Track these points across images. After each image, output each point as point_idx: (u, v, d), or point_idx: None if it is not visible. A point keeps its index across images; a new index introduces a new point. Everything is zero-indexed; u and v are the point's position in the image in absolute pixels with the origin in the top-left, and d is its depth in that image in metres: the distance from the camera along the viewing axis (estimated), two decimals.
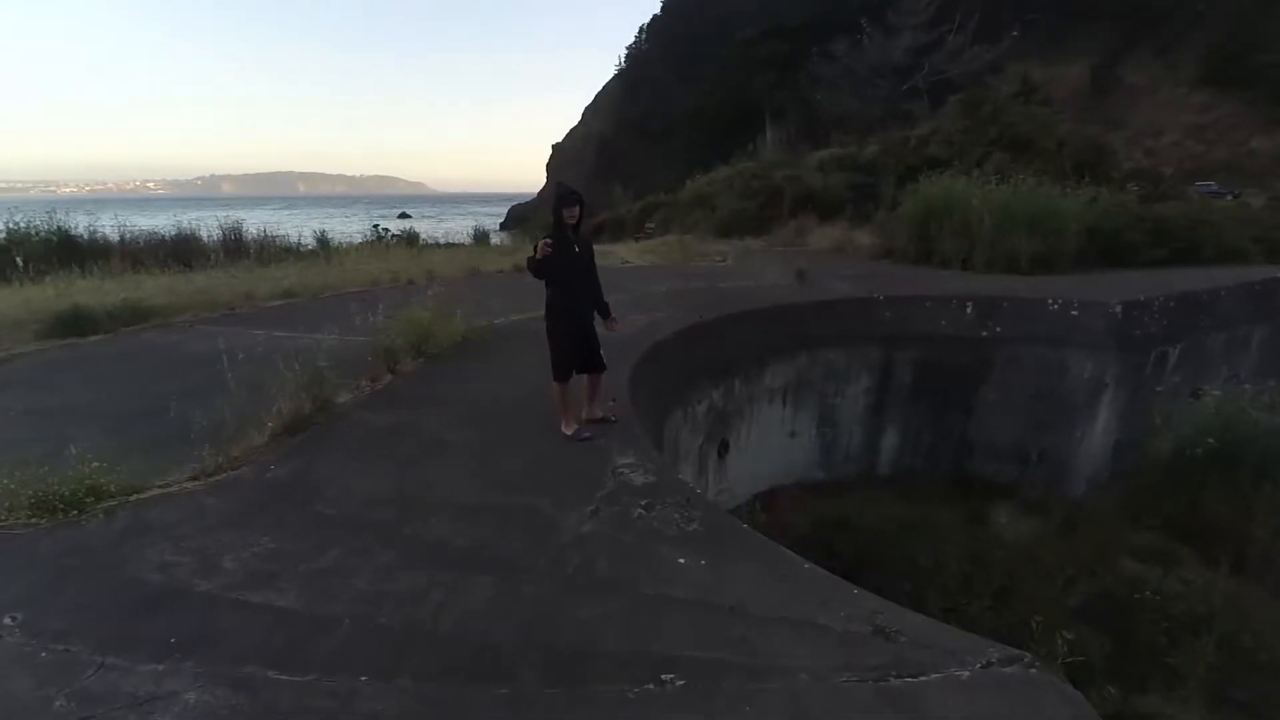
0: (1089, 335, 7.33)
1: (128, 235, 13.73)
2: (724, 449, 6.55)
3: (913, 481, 8.06)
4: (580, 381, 3.98)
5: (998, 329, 7.52)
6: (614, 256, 13.60)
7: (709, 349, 5.99)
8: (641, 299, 7.75)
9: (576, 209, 3.84)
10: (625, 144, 59.43)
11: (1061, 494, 7.82)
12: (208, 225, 15.06)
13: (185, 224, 15.28)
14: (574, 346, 3.86)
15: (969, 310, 7.60)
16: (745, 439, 6.88)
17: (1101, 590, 5.84)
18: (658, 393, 4.81)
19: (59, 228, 12.85)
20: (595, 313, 4.03)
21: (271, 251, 13.53)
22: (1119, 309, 7.35)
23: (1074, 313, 7.43)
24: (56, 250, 12.07)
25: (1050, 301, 7.51)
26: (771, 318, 6.81)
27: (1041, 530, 7.20)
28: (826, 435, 7.73)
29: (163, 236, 14.01)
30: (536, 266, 3.71)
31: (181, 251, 13.15)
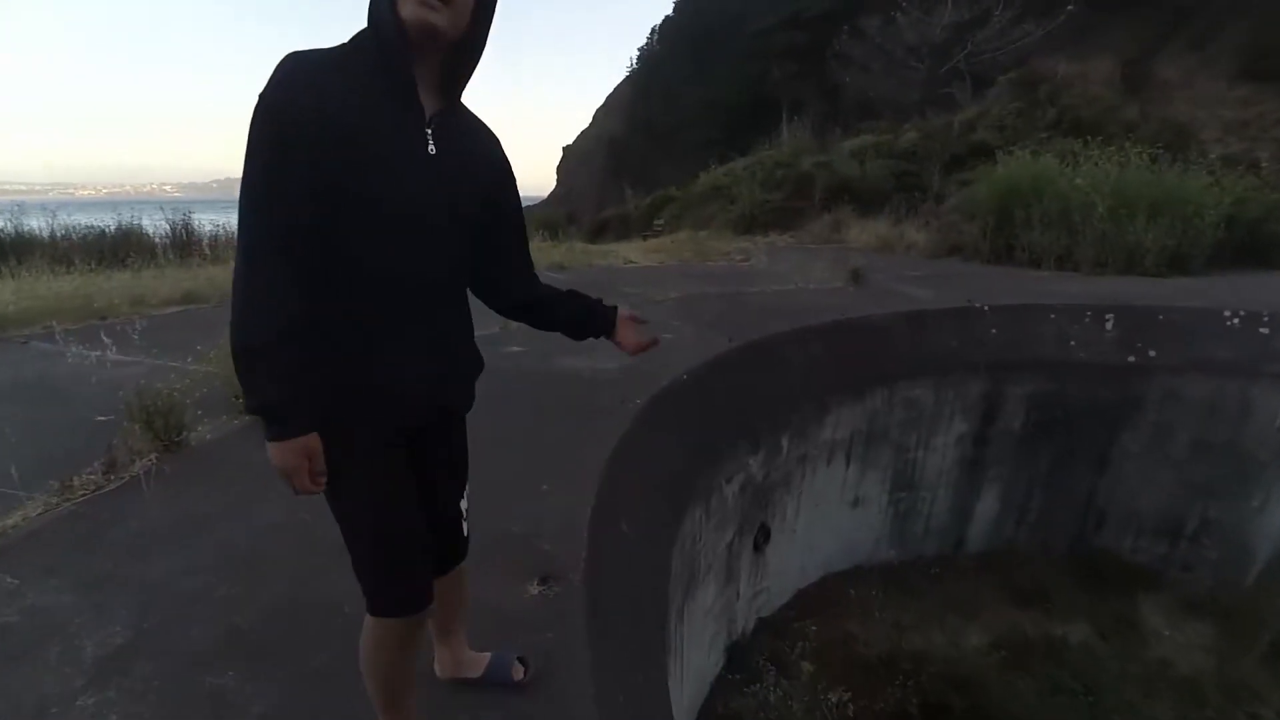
0: None
1: (59, 231, 12.06)
2: (763, 538, 4.36)
3: (1016, 562, 5.84)
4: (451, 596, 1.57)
5: (1150, 353, 5.27)
6: (615, 256, 11.43)
7: (744, 393, 3.80)
8: (643, 312, 5.57)
9: None
10: (636, 143, 57.67)
11: (1224, 583, 5.59)
12: (154, 221, 13.28)
13: (127, 219, 13.45)
14: (410, 490, 1.33)
15: (1108, 326, 5.35)
16: (792, 518, 4.69)
17: None
18: (664, 493, 2.63)
19: None
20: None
21: (223, 247, 11.73)
22: None
23: (1263, 330, 5.17)
24: None
25: (1228, 315, 5.26)
26: (834, 339, 4.61)
27: (1225, 647, 4.95)
28: (901, 502, 5.51)
29: (102, 231, 12.21)
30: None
31: (121, 248, 11.35)
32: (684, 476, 2.90)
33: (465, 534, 1.50)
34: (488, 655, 1.62)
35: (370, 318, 1.20)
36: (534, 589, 1.84)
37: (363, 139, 1.11)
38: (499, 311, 1.53)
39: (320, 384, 1.18)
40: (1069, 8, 19.48)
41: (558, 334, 1.59)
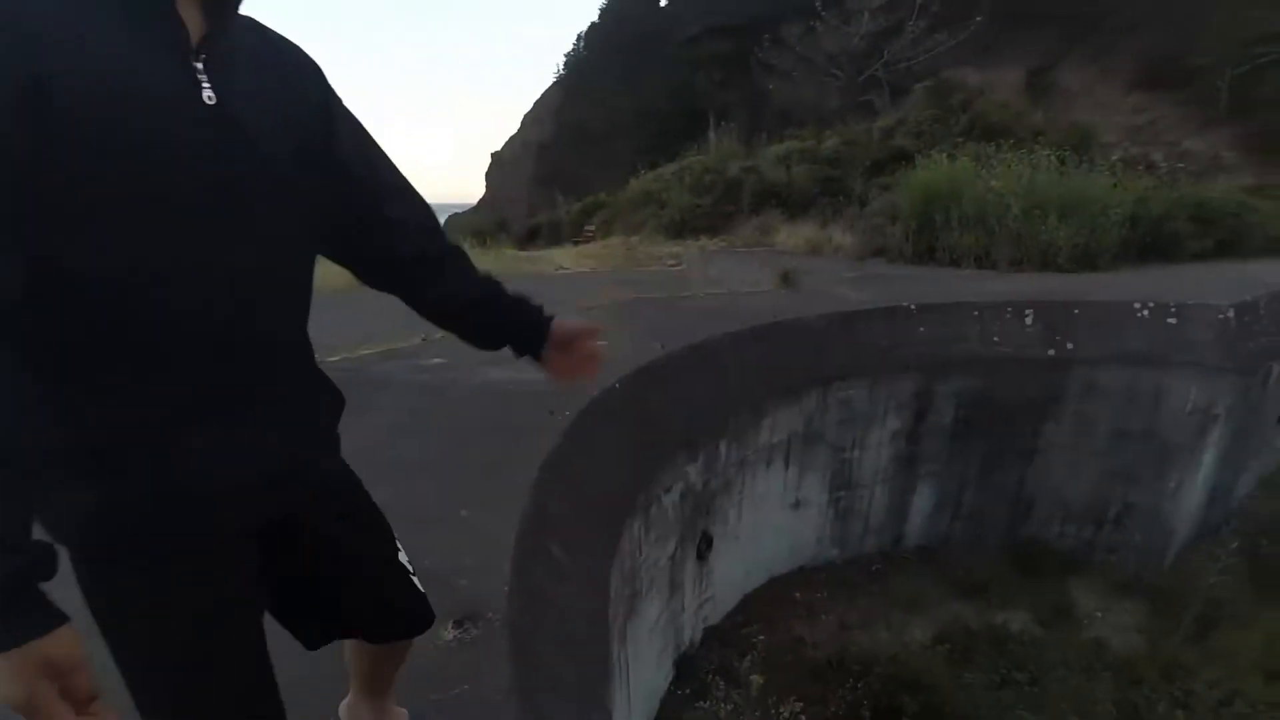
0: (1195, 351, 5.32)
1: None
2: (705, 546, 4.25)
3: (953, 555, 5.94)
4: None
5: (1069, 346, 5.44)
6: (546, 262, 11.27)
7: (680, 400, 3.69)
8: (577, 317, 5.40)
9: None
10: (566, 149, 57.33)
11: (1147, 563, 5.82)
12: None
13: None
14: (249, 618, 0.90)
15: (1029, 321, 5.50)
16: (735, 523, 4.60)
17: None
18: (598, 511, 2.47)
19: None
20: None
21: None
22: (1231, 314, 5.38)
23: (1171, 320, 5.42)
24: None
25: (1138, 307, 5.48)
26: (768, 342, 4.56)
27: (1154, 627, 5.13)
28: (841, 501, 5.51)
29: None
30: None
31: None
32: (620, 490, 2.75)
33: (421, 590, 1.14)
34: (405, 712, 1.34)
35: (160, 386, 0.75)
36: (449, 633, 1.58)
37: (95, 93, 0.66)
38: (426, 313, 1.13)
39: (77, 499, 0.75)
40: (978, 19, 20.36)
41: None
